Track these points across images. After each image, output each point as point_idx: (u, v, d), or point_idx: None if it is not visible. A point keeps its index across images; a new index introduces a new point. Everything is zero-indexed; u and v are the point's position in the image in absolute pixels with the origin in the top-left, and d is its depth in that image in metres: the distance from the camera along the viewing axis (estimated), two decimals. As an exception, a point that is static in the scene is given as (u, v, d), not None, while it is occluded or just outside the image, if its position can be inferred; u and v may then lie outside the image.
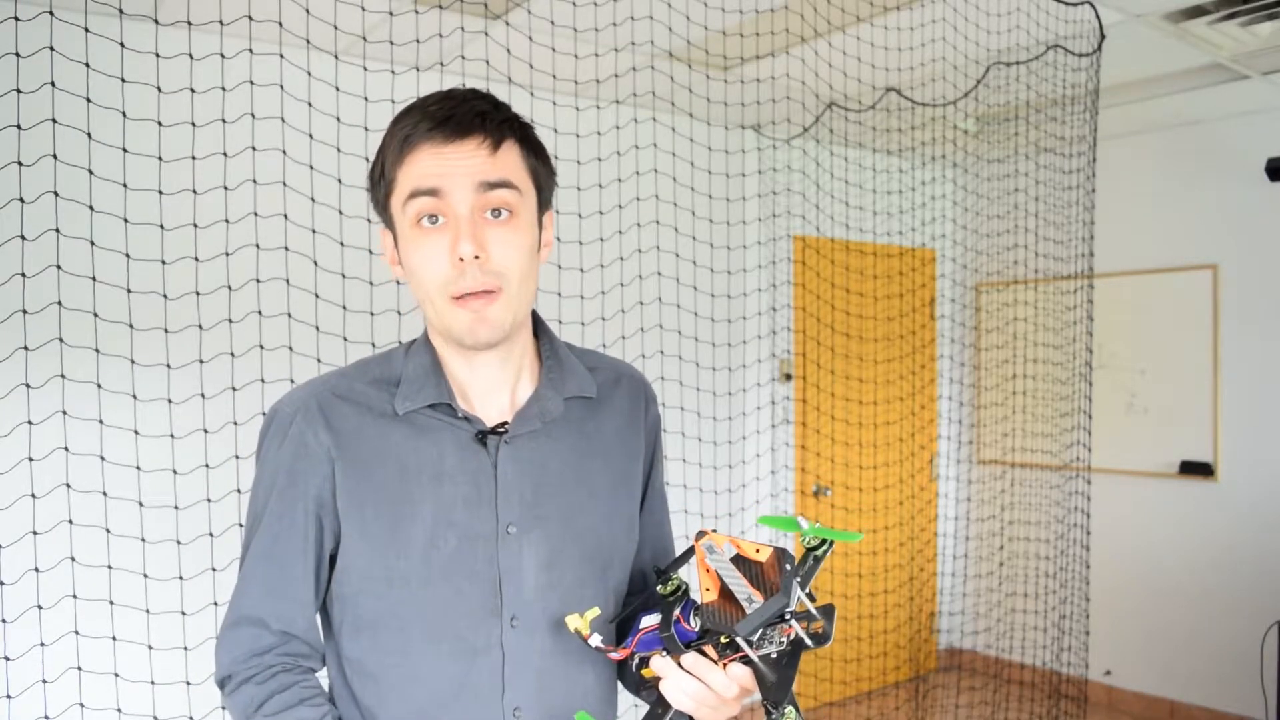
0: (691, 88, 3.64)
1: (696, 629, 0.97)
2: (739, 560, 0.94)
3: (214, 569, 2.73)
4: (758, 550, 0.93)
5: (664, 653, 0.98)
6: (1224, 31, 3.25)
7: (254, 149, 2.70)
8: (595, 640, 1.02)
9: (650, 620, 1.03)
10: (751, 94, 3.82)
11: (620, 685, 1.22)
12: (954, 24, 3.18)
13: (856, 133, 4.31)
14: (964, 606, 5.08)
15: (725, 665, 0.96)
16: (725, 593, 0.94)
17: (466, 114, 1.04)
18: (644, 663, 1.03)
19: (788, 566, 0.91)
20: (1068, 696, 4.14)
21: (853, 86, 3.75)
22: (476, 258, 1.02)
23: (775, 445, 4.41)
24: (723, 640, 0.95)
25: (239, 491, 2.66)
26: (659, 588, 1.04)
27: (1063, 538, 4.08)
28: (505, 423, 1.11)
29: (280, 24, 2.68)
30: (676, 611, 1.00)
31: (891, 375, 4.76)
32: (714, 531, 0.97)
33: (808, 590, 0.94)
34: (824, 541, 0.97)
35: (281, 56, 2.75)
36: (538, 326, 1.20)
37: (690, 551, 1.08)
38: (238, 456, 2.69)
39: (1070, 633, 3.99)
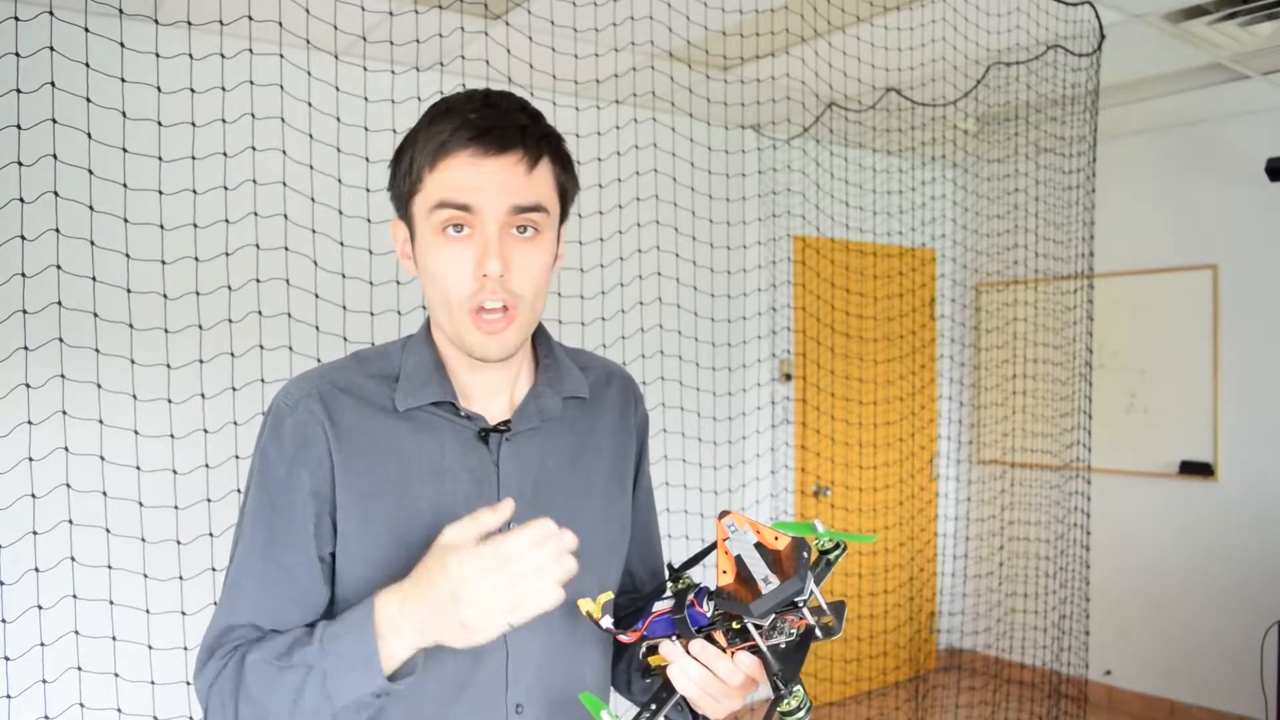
0: (691, 88, 3.64)
1: (709, 613, 0.98)
2: (758, 547, 0.95)
3: (214, 569, 2.73)
4: (776, 538, 0.94)
5: (673, 637, 0.99)
6: (1224, 31, 3.25)
7: (254, 149, 2.70)
8: (606, 622, 1.02)
9: (663, 605, 1.03)
10: (751, 94, 3.82)
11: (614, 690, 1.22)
12: (954, 24, 3.18)
13: (856, 133, 4.31)
14: (964, 606, 5.08)
15: (733, 654, 0.96)
16: (741, 578, 0.95)
17: (508, 127, 1.02)
18: (651, 650, 1.03)
19: (804, 554, 0.92)
20: (1068, 696, 4.13)
21: (853, 86, 3.75)
22: (500, 275, 1.02)
23: (775, 445, 4.41)
24: (734, 627, 0.96)
25: (239, 491, 2.66)
26: (670, 584, 1.04)
27: (1063, 538, 4.07)
28: (507, 421, 1.11)
29: (280, 24, 2.68)
30: (690, 596, 1.00)
31: (891, 375, 4.76)
32: (738, 512, 0.98)
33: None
34: (838, 545, 0.98)
35: (281, 56, 2.75)
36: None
37: (703, 552, 1.09)
38: (238, 456, 2.69)
39: (1070, 633, 3.99)
